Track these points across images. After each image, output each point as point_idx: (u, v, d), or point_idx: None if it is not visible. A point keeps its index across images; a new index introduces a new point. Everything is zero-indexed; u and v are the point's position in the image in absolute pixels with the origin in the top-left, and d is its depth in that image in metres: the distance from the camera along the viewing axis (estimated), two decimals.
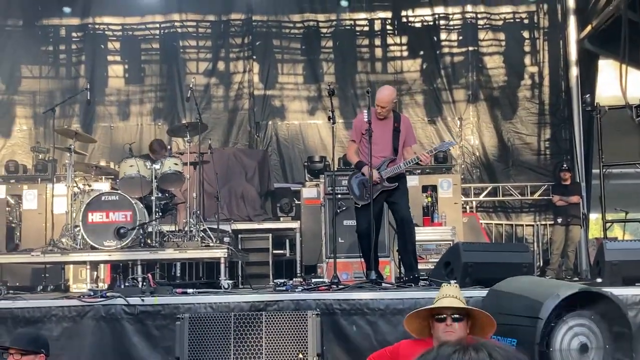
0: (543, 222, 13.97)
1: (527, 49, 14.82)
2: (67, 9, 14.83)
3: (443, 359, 1.83)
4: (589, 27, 13.08)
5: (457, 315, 4.36)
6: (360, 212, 7.94)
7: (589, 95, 11.14)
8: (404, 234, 7.95)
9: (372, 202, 7.65)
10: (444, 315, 4.37)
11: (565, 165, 13.04)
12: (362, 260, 8.06)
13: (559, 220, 12.78)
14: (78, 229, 8.66)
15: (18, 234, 11.87)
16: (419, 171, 12.54)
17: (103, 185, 10.82)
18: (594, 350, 5.42)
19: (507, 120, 14.48)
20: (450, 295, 4.45)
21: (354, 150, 8.10)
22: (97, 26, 15.04)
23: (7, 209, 11.75)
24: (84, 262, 9.01)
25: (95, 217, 8.57)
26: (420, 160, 7.90)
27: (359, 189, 7.94)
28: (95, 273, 10.23)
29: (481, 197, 14.14)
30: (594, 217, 14.80)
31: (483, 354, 1.81)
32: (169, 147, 10.24)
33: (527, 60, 14.74)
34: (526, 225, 14.12)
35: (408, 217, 7.98)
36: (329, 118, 8.18)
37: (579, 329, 5.44)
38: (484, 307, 5.61)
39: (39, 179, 12.35)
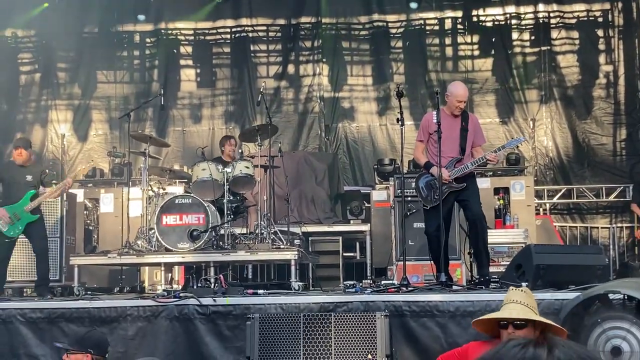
0: (619, 225, 13.60)
1: (601, 47, 14.47)
2: (141, 17, 15.17)
3: (503, 352, 1.84)
4: None
5: (519, 322, 4.32)
6: (429, 213, 7.86)
7: None
8: (476, 230, 7.77)
9: (441, 203, 7.59)
10: (506, 322, 4.35)
11: None
12: (432, 262, 7.99)
13: None
14: (153, 231, 8.84)
15: (95, 236, 12.17)
16: (491, 173, 12.38)
17: (177, 189, 11.00)
18: (630, 354, 5.33)
19: (582, 120, 14.17)
20: (515, 300, 4.40)
21: (422, 150, 8.02)
22: (169, 31, 15.34)
23: (85, 212, 12.04)
24: (159, 264, 9.23)
25: (170, 219, 8.74)
26: (489, 160, 7.78)
27: (427, 190, 7.87)
28: (170, 274, 10.43)
29: (555, 199, 13.88)
30: None
31: (542, 349, 1.81)
32: (240, 150, 10.34)
33: (602, 59, 14.40)
34: (602, 227, 13.77)
35: (480, 214, 7.80)
36: (398, 120, 8.13)
37: (615, 332, 5.39)
38: None
39: (116, 183, 12.65)
